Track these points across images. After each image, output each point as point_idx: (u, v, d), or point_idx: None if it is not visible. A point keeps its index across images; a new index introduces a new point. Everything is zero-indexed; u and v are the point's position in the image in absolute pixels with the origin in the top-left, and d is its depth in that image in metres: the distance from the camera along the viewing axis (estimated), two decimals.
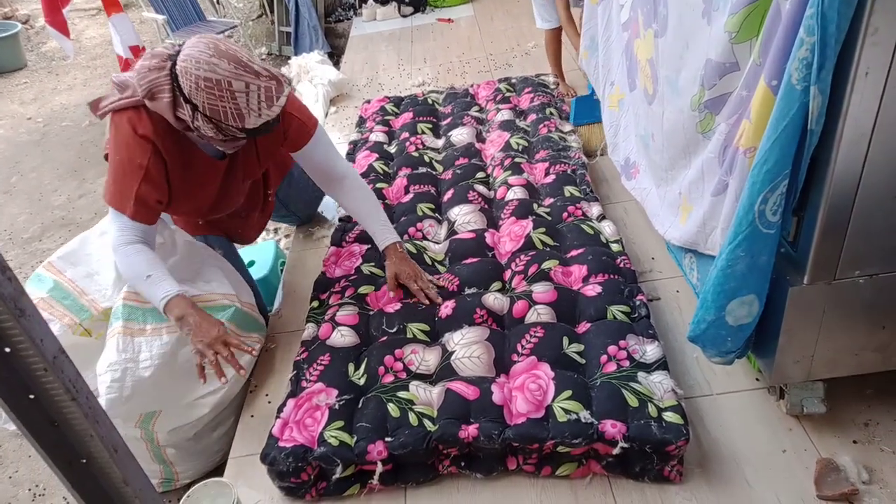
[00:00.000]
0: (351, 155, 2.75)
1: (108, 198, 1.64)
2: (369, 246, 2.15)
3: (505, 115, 2.81)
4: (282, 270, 2.50)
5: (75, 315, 1.69)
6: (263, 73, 1.51)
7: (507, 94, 3.03)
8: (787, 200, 1.22)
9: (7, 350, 0.72)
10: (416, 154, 2.61)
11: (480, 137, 2.72)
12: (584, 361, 1.60)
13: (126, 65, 3.83)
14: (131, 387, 1.59)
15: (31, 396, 0.77)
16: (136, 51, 3.86)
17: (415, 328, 1.75)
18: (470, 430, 1.46)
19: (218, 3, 5.97)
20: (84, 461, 0.84)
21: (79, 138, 4.55)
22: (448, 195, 2.35)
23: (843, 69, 1.07)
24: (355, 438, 1.49)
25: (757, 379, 1.66)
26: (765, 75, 1.15)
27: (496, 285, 1.89)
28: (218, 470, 1.86)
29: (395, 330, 1.75)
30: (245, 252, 2.54)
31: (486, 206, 2.26)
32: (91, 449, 0.83)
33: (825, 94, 1.09)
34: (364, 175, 2.55)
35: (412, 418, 1.50)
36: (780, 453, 1.50)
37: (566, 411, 1.45)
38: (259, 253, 2.56)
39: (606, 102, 2.34)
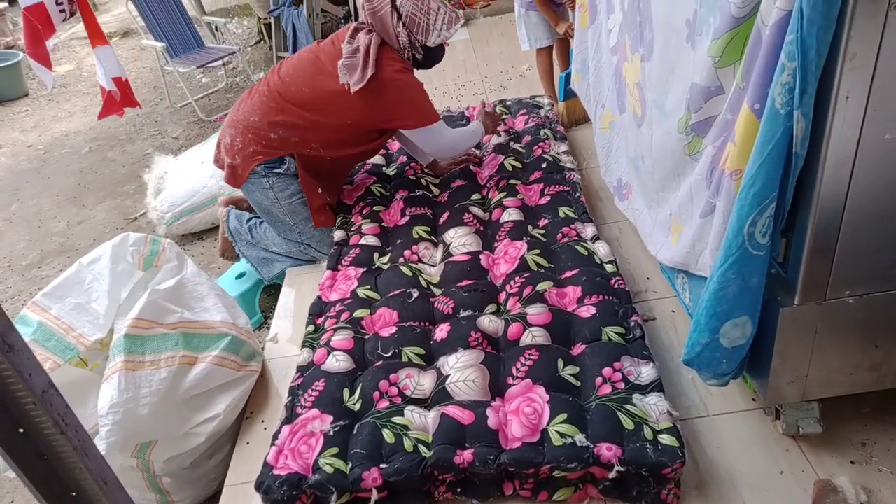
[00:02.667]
0: (350, 177, 2.77)
1: (428, 120, 2.28)
2: (365, 269, 2.16)
3: (500, 137, 2.83)
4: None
5: (59, 356, 1.68)
6: (448, 6, 2.21)
7: (503, 117, 3.06)
8: (776, 222, 1.23)
9: None
10: (413, 178, 2.63)
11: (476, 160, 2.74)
12: (579, 384, 1.60)
13: (108, 97, 3.87)
14: (131, 427, 1.59)
15: (21, 430, 0.77)
16: (120, 83, 3.90)
17: (410, 352, 1.75)
18: (465, 456, 1.45)
19: (217, 30, 6.06)
20: (74, 494, 0.84)
21: (78, 165, 4.59)
22: (444, 217, 2.36)
23: (824, 93, 1.09)
24: (350, 465, 1.48)
25: (753, 399, 1.66)
26: (747, 99, 1.17)
27: (491, 308, 1.89)
28: (214, 498, 1.85)
29: (389, 354, 1.75)
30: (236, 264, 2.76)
31: (481, 228, 2.27)
32: (81, 482, 0.84)
33: (808, 118, 1.11)
34: (361, 198, 2.57)
35: (407, 444, 1.50)
36: (778, 475, 1.49)
37: (561, 435, 1.45)
38: (247, 265, 2.67)
39: (598, 124, 2.36)
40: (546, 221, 2.24)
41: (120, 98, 3.93)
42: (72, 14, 3.79)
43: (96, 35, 3.81)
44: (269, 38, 5.46)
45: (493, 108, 2.62)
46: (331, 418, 1.59)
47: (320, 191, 2.44)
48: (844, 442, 1.54)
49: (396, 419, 1.56)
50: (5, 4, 7.76)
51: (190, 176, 3.35)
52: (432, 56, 2.33)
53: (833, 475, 1.46)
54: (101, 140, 4.91)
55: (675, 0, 1.46)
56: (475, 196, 2.45)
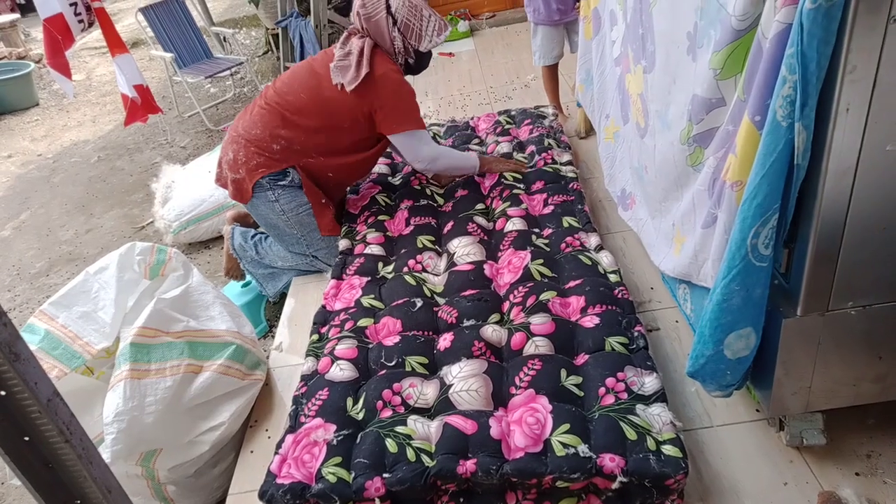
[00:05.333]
0: (354, 186, 2.79)
1: (412, 125, 2.32)
2: (369, 278, 2.17)
3: (504, 147, 2.84)
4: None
5: (66, 365, 1.70)
6: (438, 15, 2.31)
7: (507, 127, 3.07)
8: (778, 233, 1.23)
9: (2, 393, 0.74)
10: (418, 187, 2.65)
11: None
12: (582, 394, 1.60)
13: (132, 104, 3.92)
14: (136, 435, 1.60)
15: (26, 438, 0.78)
16: (141, 89, 3.95)
17: (413, 361, 1.76)
18: (468, 466, 1.45)
19: (225, 40, 6.12)
20: (78, 502, 0.85)
21: (87, 174, 4.63)
22: (448, 227, 2.37)
23: (825, 106, 1.10)
24: (353, 475, 1.49)
25: (757, 410, 1.66)
26: (748, 111, 1.17)
27: (494, 317, 1.90)
28: None
29: (393, 363, 1.76)
30: None
31: (485, 238, 2.28)
32: (85, 490, 0.85)
33: (809, 130, 1.11)
34: (366, 207, 2.59)
35: (410, 454, 1.50)
36: (782, 486, 1.48)
37: (564, 445, 1.45)
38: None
39: (602, 134, 2.37)
40: (550, 231, 2.25)
41: (142, 104, 3.99)
42: (90, 24, 3.85)
43: (116, 44, 3.87)
44: (277, 48, 5.51)
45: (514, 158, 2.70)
46: (334, 427, 1.59)
47: (324, 201, 2.46)
48: (849, 453, 1.53)
49: (399, 428, 1.56)
50: (17, 16, 7.87)
51: (197, 185, 3.38)
52: (422, 61, 2.42)
53: (837, 487, 1.45)
54: (110, 149, 4.97)
55: (676, 13, 1.47)
56: (479, 206, 2.46)
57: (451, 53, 4.91)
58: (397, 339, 1.83)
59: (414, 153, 2.41)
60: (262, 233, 2.63)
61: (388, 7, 2.23)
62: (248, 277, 2.69)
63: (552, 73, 3.32)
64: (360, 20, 2.27)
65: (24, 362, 0.73)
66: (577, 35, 2.84)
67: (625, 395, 1.55)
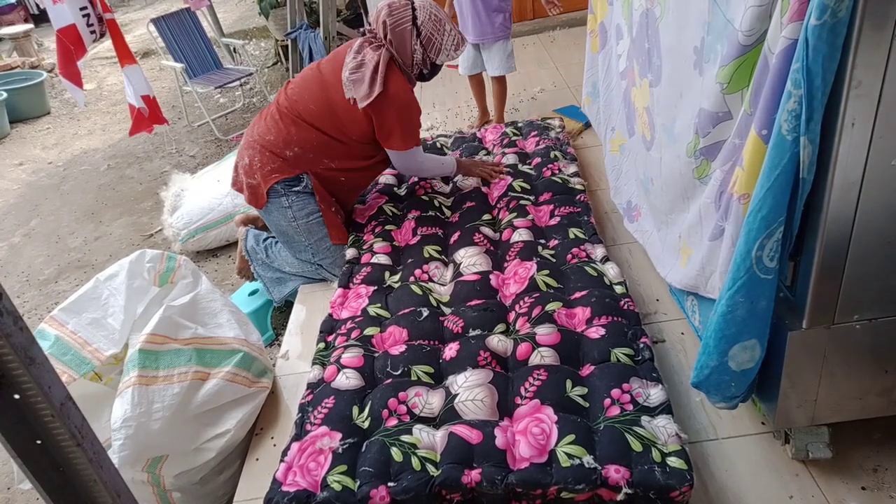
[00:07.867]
0: (362, 197, 2.81)
1: (410, 144, 2.39)
2: (376, 287, 2.18)
3: (510, 158, 2.86)
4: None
5: (75, 370, 1.71)
6: (457, 28, 2.39)
7: (514, 138, 3.09)
8: (784, 246, 1.24)
9: (16, 397, 0.75)
10: (425, 198, 2.66)
11: (486, 182, 2.77)
12: (587, 405, 1.60)
13: (138, 114, 3.96)
14: (143, 441, 1.61)
15: (38, 442, 0.79)
16: (148, 100, 4.00)
17: (419, 370, 1.76)
18: (473, 475, 1.46)
19: (235, 51, 6.18)
20: None
21: (96, 182, 4.67)
22: (454, 237, 2.38)
23: (830, 120, 1.11)
24: (358, 483, 1.49)
25: (763, 423, 1.65)
26: (755, 125, 1.18)
27: (500, 327, 1.90)
28: None
29: (399, 372, 1.76)
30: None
31: (491, 248, 2.29)
32: (95, 494, 0.85)
33: (815, 144, 1.12)
34: (373, 217, 2.60)
35: (415, 463, 1.50)
36: (787, 499, 1.48)
37: (569, 456, 1.45)
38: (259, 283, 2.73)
39: (608, 147, 2.39)
40: (556, 242, 2.26)
41: (148, 115, 4.04)
42: (102, 35, 3.91)
43: (125, 55, 3.93)
44: (286, 59, 5.56)
45: (492, 161, 2.83)
46: (340, 435, 1.60)
47: (334, 209, 2.49)
48: (855, 467, 1.53)
49: (405, 437, 1.56)
50: (31, 26, 7.98)
51: (206, 194, 3.40)
52: (435, 71, 2.49)
53: (843, 501, 1.45)
54: (120, 158, 5.01)
55: (683, 28, 1.49)
56: (486, 216, 2.47)
57: (458, 65, 4.93)
58: (403, 348, 1.84)
59: (405, 163, 2.52)
60: (273, 237, 2.66)
61: (415, 19, 2.29)
62: (257, 282, 2.71)
63: (472, 80, 3.62)
64: (386, 29, 2.30)
65: (39, 366, 0.75)
66: (496, 58, 3.19)
67: (630, 407, 1.56)
